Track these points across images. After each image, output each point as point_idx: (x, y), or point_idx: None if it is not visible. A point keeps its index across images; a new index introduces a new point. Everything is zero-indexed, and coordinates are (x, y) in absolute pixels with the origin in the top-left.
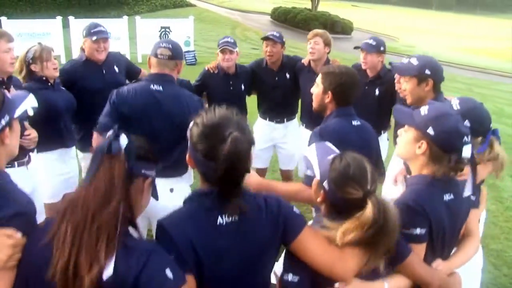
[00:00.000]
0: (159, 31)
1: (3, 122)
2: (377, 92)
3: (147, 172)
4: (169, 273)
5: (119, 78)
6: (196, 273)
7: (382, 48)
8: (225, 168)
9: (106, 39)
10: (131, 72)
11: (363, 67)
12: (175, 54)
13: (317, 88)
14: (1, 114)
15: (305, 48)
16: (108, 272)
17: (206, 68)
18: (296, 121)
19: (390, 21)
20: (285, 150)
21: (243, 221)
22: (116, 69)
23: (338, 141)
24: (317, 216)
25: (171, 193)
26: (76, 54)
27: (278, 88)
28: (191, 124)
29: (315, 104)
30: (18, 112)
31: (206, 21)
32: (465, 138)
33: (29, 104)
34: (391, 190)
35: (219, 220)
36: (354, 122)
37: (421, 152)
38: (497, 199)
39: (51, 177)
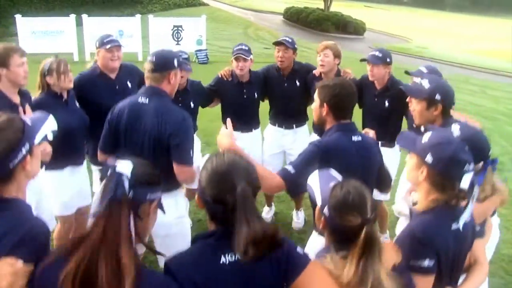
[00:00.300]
0: (172, 30)
1: (24, 151)
2: (386, 104)
3: (152, 196)
4: None
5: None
6: None
7: (388, 60)
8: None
9: (119, 47)
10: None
11: (370, 78)
12: (157, 66)
13: (315, 103)
14: (21, 143)
15: (316, 47)
16: None
17: (220, 75)
18: (306, 127)
19: (403, 22)
20: (294, 157)
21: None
22: (130, 84)
23: (336, 156)
24: (321, 250)
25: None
26: (88, 52)
27: (287, 94)
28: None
29: (315, 118)
30: (38, 138)
31: (219, 20)
32: (466, 166)
33: (48, 128)
34: (403, 205)
35: (222, 259)
36: (354, 138)
37: (423, 179)
38: (510, 203)
39: (61, 192)
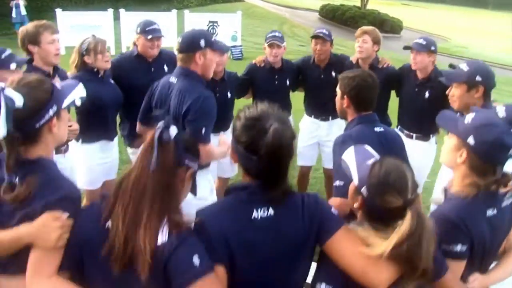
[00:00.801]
0: (207, 26)
1: (51, 112)
2: (427, 95)
3: (190, 163)
4: (196, 260)
5: None
6: (229, 265)
7: (433, 48)
8: (268, 160)
9: (160, 38)
10: None
11: (413, 67)
12: (183, 47)
13: (337, 94)
14: (49, 104)
15: (353, 46)
16: (163, 238)
17: (253, 62)
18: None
19: (443, 20)
20: (329, 148)
21: (278, 217)
22: (166, 68)
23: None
24: (352, 223)
25: None
26: (125, 46)
27: (324, 85)
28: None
29: (337, 110)
30: (66, 103)
31: (254, 17)
32: (511, 151)
33: (77, 94)
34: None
35: (254, 214)
36: (377, 129)
37: (462, 161)
38: None
39: (91, 165)
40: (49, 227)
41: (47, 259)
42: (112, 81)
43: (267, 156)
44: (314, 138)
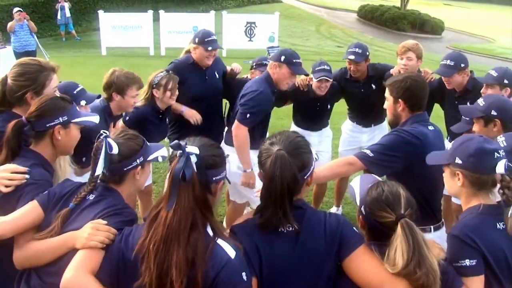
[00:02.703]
0: (245, 26)
1: (138, 161)
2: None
3: (218, 177)
4: (244, 276)
5: (219, 84)
6: (259, 274)
7: (462, 65)
8: (265, 183)
9: (217, 49)
10: (225, 75)
11: (448, 87)
12: (273, 56)
13: (388, 102)
14: (137, 155)
15: (391, 47)
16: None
17: (297, 85)
18: (385, 124)
19: (487, 21)
20: None
21: (302, 231)
22: (217, 75)
23: (423, 143)
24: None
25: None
26: (163, 47)
27: (364, 99)
28: None
29: (389, 117)
30: (151, 157)
31: (292, 17)
32: (496, 154)
33: (160, 153)
34: None
35: (280, 227)
36: (430, 127)
37: (461, 184)
38: None
39: None
40: (97, 228)
41: (87, 258)
42: (167, 120)
43: (266, 174)
44: (356, 143)
